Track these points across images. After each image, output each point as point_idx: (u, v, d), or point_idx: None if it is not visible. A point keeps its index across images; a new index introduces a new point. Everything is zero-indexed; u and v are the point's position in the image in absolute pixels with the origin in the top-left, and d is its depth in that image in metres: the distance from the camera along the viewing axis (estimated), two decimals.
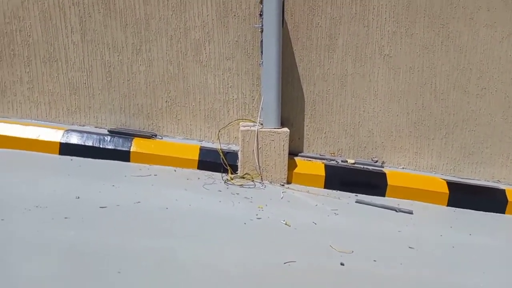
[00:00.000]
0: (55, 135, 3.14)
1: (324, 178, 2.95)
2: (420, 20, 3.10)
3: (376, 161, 3.21)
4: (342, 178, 3.00)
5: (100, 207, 2.18)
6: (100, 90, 3.38)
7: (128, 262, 1.65)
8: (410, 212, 2.72)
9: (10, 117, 3.48)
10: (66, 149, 3.10)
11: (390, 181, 3.01)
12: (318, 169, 3.02)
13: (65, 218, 2.01)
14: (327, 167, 3.03)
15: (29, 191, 2.35)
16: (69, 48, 3.32)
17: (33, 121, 3.44)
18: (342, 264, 1.80)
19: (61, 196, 2.30)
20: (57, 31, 3.31)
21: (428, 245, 2.26)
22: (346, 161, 3.16)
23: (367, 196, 2.87)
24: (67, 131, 3.18)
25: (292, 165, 3.00)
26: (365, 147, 3.26)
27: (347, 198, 2.79)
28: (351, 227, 2.31)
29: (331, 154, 3.26)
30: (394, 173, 3.13)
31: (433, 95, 3.23)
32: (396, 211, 2.72)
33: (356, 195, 2.87)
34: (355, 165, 3.14)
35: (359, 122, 3.24)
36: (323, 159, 3.19)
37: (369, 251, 1.99)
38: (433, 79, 3.20)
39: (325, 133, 3.26)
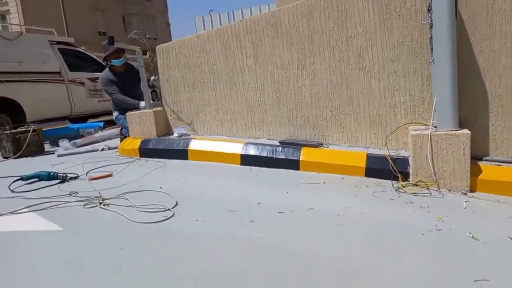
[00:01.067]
0: (237, 148, 3.62)
1: None
2: None
3: None
4: None
5: (278, 212, 2.40)
6: (271, 105, 3.73)
7: (308, 266, 1.76)
8: None
9: (203, 134, 4.19)
10: (246, 160, 3.53)
11: None
12: (511, 174, 2.58)
13: (251, 221, 2.29)
14: None
15: (222, 197, 2.78)
16: (244, 71, 3.79)
17: (219, 136, 4.05)
18: None
19: (246, 201, 2.64)
20: (235, 58, 3.82)
21: None
22: None
23: None
24: (246, 144, 3.62)
25: (475, 171, 2.65)
26: None
27: None
28: None
29: None
30: None
31: None
32: None
33: None
34: None
35: None
36: None
37: None
38: None
39: None
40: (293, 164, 3.35)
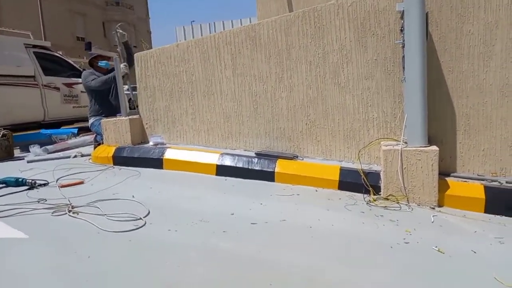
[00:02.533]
0: (213, 158, 3.61)
1: (484, 201, 2.60)
2: None
3: None
4: (508, 202, 2.59)
5: (251, 223, 2.40)
6: (248, 117, 3.76)
7: (278, 276, 1.77)
8: None
9: (179, 143, 4.16)
10: (221, 170, 3.52)
11: None
12: (477, 191, 2.68)
13: (223, 231, 2.29)
14: (487, 189, 2.67)
15: (195, 207, 2.76)
16: (223, 82, 3.81)
17: (195, 146, 4.03)
18: None
19: (220, 212, 2.63)
20: (213, 68, 3.84)
21: None
22: None
23: None
24: (222, 154, 3.62)
25: (443, 187, 2.74)
26: None
27: None
28: None
29: (491, 174, 2.86)
30: None
31: None
32: None
33: None
34: None
35: None
36: (482, 179, 2.82)
37: None
38: None
39: (483, 150, 2.89)
40: (268, 176, 3.37)
